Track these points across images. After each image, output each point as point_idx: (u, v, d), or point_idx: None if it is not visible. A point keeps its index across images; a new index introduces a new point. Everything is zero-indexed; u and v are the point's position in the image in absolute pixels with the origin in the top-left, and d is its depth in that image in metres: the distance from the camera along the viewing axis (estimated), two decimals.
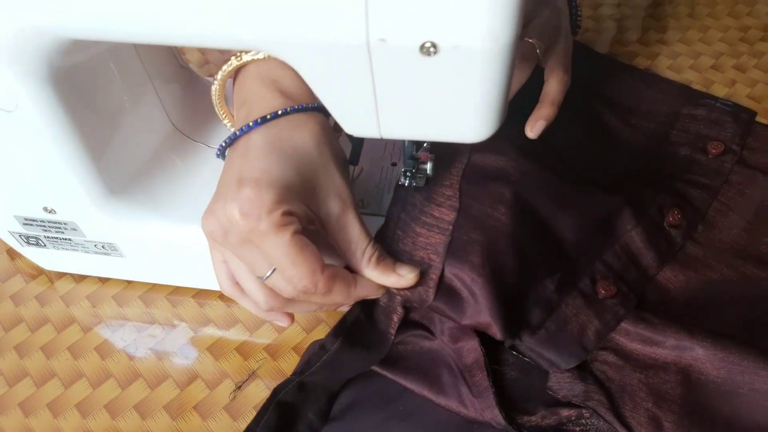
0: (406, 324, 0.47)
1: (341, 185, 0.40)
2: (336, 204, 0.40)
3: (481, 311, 0.44)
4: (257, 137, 0.39)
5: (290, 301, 0.41)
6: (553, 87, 0.49)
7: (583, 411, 0.44)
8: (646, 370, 0.45)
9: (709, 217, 0.54)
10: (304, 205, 0.38)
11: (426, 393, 0.46)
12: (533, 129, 0.48)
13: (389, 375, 0.46)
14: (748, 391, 0.42)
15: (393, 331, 0.46)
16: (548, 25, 0.48)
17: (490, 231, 0.45)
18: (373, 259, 0.42)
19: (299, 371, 0.47)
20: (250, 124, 0.39)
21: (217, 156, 0.42)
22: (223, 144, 0.41)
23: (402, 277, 0.43)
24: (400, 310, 0.46)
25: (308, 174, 0.39)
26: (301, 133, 0.39)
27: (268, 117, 0.39)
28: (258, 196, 0.36)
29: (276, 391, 0.46)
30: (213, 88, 0.43)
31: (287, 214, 0.36)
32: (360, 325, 0.47)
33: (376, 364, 0.47)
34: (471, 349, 0.45)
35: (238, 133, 0.39)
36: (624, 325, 0.46)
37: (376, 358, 0.46)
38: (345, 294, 0.41)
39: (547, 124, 0.48)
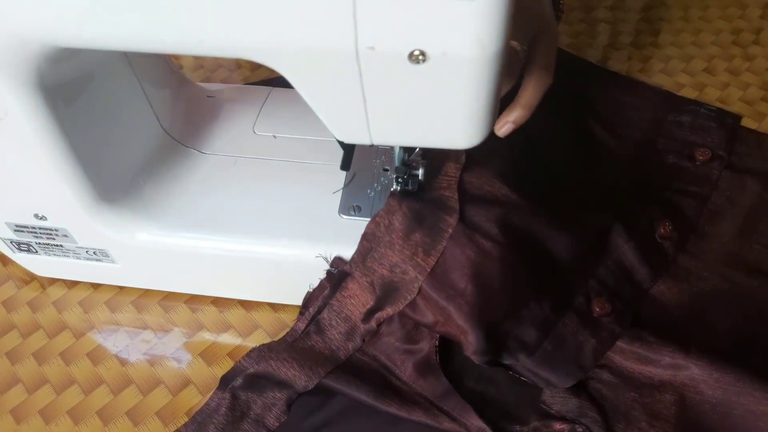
0: (364, 370, 0.48)
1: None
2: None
3: (456, 321, 0.44)
4: None
5: None
6: (530, 88, 0.46)
7: (576, 426, 0.44)
8: (641, 389, 0.45)
9: (700, 226, 0.54)
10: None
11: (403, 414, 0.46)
12: (501, 130, 0.45)
13: (366, 400, 0.46)
14: (742, 411, 0.42)
15: (344, 356, 0.48)
16: (527, 18, 0.46)
17: (481, 252, 0.45)
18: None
19: (244, 363, 0.48)
20: None
21: None
22: None
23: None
24: (358, 340, 0.48)
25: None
26: None
27: None
28: None
29: (225, 380, 0.48)
30: None
31: None
32: (309, 338, 0.48)
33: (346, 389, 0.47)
34: (438, 382, 0.46)
35: None
36: (619, 343, 0.46)
37: (321, 373, 0.47)
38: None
39: (516, 127, 0.45)
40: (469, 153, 0.49)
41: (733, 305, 0.50)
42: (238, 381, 0.47)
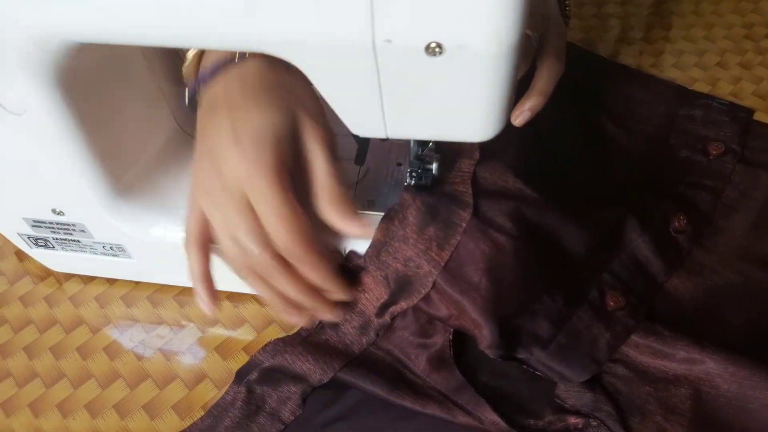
0: (378, 364, 0.48)
1: (316, 122, 0.40)
2: (312, 139, 0.40)
3: (470, 315, 0.44)
4: (234, 75, 0.38)
5: (253, 272, 0.40)
6: (544, 76, 0.46)
7: (591, 420, 0.44)
8: (656, 383, 0.45)
9: (714, 221, 0.54)
10: (289, 143, 0.38)
11: (417, 407, 0.46)
12: (517, 119, 0.46)
13: (381, 393, 0.47)
14: (758, 405, 0.42)
15: (357, 350, 0.48)
16: (536, 13, 0.47)
17: (495, 246, 0.45)
18: (336, 198, 0.40)
19: (259, 357, 0.49)
20: (216, 66, 0.39)
21: (188, 103, 0.41)
22: (194, 88, 0.40)
23: (358, 227, 0.41)
24: (372, 334, 0.48)
25: (290, 110, 0.39)
26: (277, 70, 0.39)
27: (247, 54, 0.39)
28: (258, 153, 0.36)
29: (240, 374, 0.48)
30: (188, 55, 0.42)
31: (284, 171, 0.37)
32: (323, 332, 0.49)
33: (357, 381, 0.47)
34: (452, 376, 0.46)
35: (209, 74, 0.39)
36: (634, 337, 0.46)
37: (336, 367, 0.47)
38: (318, 269, 0.40)
39: (533, 114, 0.46)
40: (482, 148, 0.49)
41: (747, 300, 0.49)
42: (254, 375, 0.47)
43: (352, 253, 0.48)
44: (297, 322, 0.44)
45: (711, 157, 0.57)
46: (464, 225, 0.45)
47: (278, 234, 0.37)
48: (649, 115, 0.62)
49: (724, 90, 0.66)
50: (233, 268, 0.41)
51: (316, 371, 0.47)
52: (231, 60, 0.39)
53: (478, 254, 0.45)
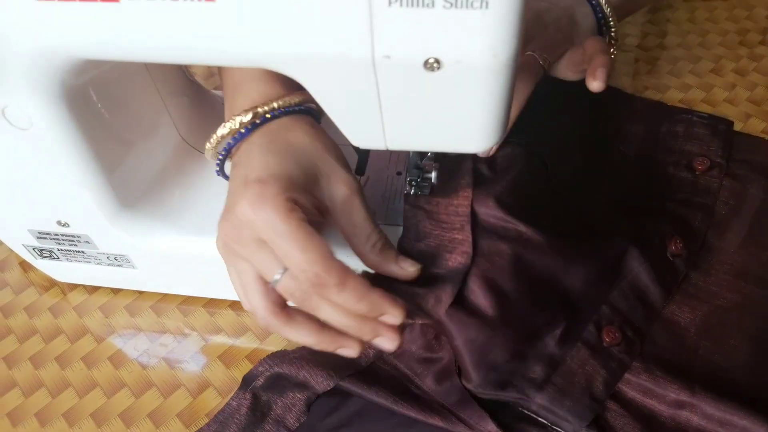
0: (384, 377, 0.48)
1: (343, 173, 0.41)
2: (340, 190, 0.40)
3: (461, 360, 0.45)
4: (254, 139, 0.41)
5: (296, 314, 0.39)
6: (594, 43, 0.49)
7: None
8: (645, 421, 0.45)
9: (708, 240, 0.53)
10: (309, 194, 0.39)
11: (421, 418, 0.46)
12: (596, 77, 0.47)
13: (385, 403, 0.47)
14: None
15: (364, 363, 0.48)
16: (557, 37, 0.48)
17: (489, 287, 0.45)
18: (377, 245, 0.41)
19: (266, 363, 0.49)
20: (242, 131, 0.41)
21: (217, 173, 0.44)
22: (219, 159, 0.43)
23: (403, 270, 0.42)
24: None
25: (308, 166, 0.40)
26: (295, 133, 0.41)
27: (257, 121, 0.41)
28: (263, 188, 0.37)
29: (246, 380, 0.49)
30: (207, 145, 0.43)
31: (292, 201, 0.37)
32: None
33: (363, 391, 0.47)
34: (455, 389, 0.46)
35: (231, 142, 0.41)
36: (627, 374, 0.46)
37: (342, 375, 0.47)
38: (360, 293, 0.37)
39: (607, 70, 0.47)
40: (480, 177, 0.49)
41: (747, 319, 0.49)
42: (260, 381, 0.48)
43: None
44: (352, 352, 0.41)
45: (697, 173, 0.57)
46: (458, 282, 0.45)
47: (293, 258, 0.36)
48: (634, 134, 0.61)
49: (719, 96, 0.66)
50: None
51: (320, 379, 0.47)
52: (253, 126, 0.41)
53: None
